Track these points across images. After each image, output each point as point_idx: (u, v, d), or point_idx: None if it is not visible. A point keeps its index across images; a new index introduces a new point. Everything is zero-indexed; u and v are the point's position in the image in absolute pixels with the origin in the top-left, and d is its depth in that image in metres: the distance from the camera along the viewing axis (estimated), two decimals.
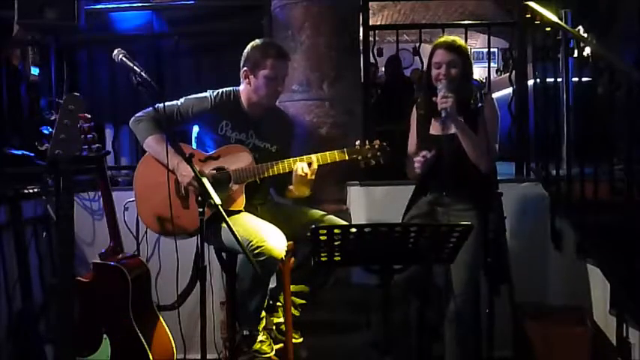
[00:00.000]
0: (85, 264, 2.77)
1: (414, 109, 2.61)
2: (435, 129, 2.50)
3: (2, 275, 2.80)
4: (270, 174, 2.37)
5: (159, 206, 2.30)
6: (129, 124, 2.44)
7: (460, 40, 2.47)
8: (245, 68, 2.43)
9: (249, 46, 2.45)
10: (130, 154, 3.74)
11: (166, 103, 2.37)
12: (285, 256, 2.26)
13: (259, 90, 2.42)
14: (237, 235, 1.98)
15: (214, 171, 2.38)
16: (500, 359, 2.57)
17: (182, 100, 2.45)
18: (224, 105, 2.45)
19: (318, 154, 2.37)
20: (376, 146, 2.38)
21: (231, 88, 2.49)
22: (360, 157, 2.37)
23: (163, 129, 2.34)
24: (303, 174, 2.31)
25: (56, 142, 1.78)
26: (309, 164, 2.33)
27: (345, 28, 3.24)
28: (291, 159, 2.37)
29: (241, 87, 2.49)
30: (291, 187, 2.44)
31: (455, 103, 2.30)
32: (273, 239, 2.21)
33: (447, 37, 2.49)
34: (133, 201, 2.49)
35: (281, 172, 2.37)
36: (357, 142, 2.39)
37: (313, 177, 2.34)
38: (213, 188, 2.02)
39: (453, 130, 2.39)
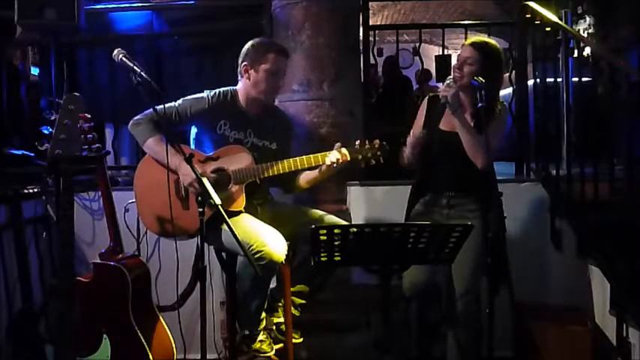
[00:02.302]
0: (85, 264, 2.77)
1: (425, 101, 2.60)
2: (445, 125, 2.50)
3: (2, 275, 2.80)
4: (270, 174, 2.36)
5: (159, 207, 2.30)
6: (128, 126, 2.44)
7: (488, 40, 2.45)
8: (245, 63, 2.43)
9: (248, 45, 2.46)
10: (130, 154, 3.74)
11: (165, 105, 2.38)
12: (284, 261, 2.26)
13: (259, 84, 2.42)
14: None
15: (214, 172, 2.38)
16: (500, 359, 2.57)
17: (180, 101, 2.45)
18: (221, 104, 2.45)
19: (326, 152, 2.36)
20: (376, 145, 2.37)
21: (228, 88, 2.49)
22: (360, 157, 2.37)
23: (162, 130, 2.34)
24: (336, 161, 2.30)
25: (56, 142, 1.79)
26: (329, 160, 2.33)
27: (345, 28, 3.24)
28: (291, 159, 2.36)
29: (239, 85, 2.49)
30: (304, 177, 2.46)
31: (457, 93, 2.33)
32: (273, 243, 2.21)
33: (478, 37, 2.49)
34: (133, 202, 2.49)
35: (281, 172, 2.36)
36: (357, 142, 2.39)
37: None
38: (213, 189, 2.02)
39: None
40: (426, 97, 2.62)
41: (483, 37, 2.50)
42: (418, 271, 2.33)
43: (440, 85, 2.95)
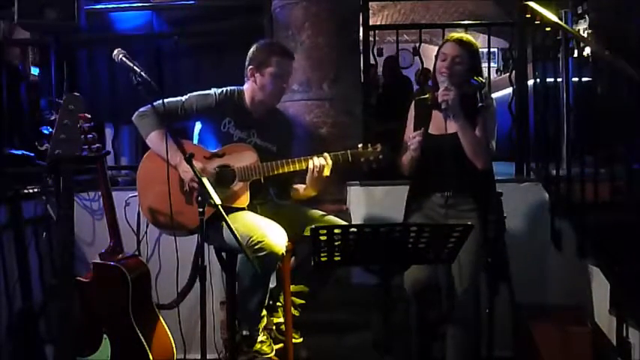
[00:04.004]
0: (85, 264, 2.77)
1: (412, 106, 2.60)
2: (434, 128, 2.49)
3: (2, 275, 2.80)
4: (275, 173, 2.37)
5: (161, 201, 2.30)
6: (132, 118, 2.45)
7: (470, 38, 2.47)
8: (251, 67, 2.47)
9: (254, 47, 2.49)
10: (130, 154, 3.75)
11: (171, 100, 2.41)
12: (285, 253, 2.27)
13: (265, 87, 2.45)
14: (237, 234, 1.99)
15: (218, 168, 2.38)
16: (500, 359, 2.57)
17: (186, 96, 2.48)
18: (228, 102, 2.47)
19: (332, 154, 2.37)
20: (378, 149, 2.38)
21: (234, 87, 2.52)
22: (362, 159, 2.38)
23: (166, 124, 2.35)
24: (319, 167, 2.32)
25: (56, 142, 1.79)
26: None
27: (345, 28, 3.24)
28: (295, 159, 2.37)
29: (245, 86, 2.52)
30: (297, 186, 2.48)
31: (457, 96, 2.31)
32: (273, 235, 2.21)
33: (461, 34, 2.49)
34: (134, 196, 2.49)
35: (286, 171, 2.37)
36: (360, 145, 2.39)
37: (328, 174, 2.36)
38: (218, 184, 2.02)
39: (452, 129, 2.39)
40: (413, 102, 2.62)
41: (463, 34, 2.50)
42: (419, 270, 2.33)
43: None
